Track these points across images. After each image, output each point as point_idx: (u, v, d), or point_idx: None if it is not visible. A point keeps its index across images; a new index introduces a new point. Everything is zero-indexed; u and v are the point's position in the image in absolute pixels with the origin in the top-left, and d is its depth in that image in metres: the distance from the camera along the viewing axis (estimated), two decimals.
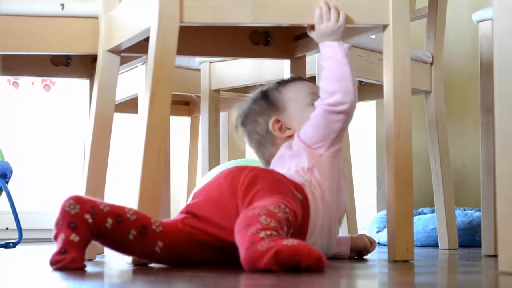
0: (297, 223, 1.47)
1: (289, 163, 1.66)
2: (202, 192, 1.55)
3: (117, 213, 1.44)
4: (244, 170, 1.53)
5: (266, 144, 1.74)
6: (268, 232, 1.32)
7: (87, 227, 1.41)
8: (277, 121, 1.72)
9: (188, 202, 1.56)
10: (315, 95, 1.70)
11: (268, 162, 1.74)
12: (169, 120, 1.61)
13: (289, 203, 1.44)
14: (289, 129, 1.72)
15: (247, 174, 1.51)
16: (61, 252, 1.39)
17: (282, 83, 1.78)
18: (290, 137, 1.71)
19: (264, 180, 1.50)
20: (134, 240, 1.44)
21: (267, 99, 1.76)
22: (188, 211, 1.52)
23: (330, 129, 1.64)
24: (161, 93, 1.56)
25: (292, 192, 1.53)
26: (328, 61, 1.66)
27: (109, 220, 1.42)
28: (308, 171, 1.63)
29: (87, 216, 1.41)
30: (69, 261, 1.38)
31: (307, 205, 1.57)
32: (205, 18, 1.60)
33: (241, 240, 1.34)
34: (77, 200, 1.42)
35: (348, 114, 1.64)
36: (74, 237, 1.40)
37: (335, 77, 1.64)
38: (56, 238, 1.42)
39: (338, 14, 1.66)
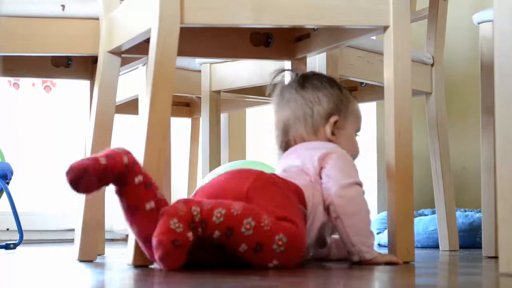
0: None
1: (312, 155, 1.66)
2: (206, 190, 1.55)
3: (153, 184, 1.46)
4: (250, 176, 1.53)
5: (308, 124, 1.73)
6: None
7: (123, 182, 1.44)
8: (337, 121, 1.73)
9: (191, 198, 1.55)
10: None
11: (292, 138, 1.74)
12: (169, 121, 1.61)
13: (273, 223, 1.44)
14: (334, 136, 1.73)
15: (254, 183, 1.51)
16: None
17: (352, 99, 1.78)
18: (330, 141, 1.72)
19: (268, 194, 1.50)
20: (148, 212, 1.43)
21: (345, 97, 1.76)
22: None
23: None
24: (162, 94, 1.56)
25: (296, 207, 1.53)
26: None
27: (140, 177, 1.43)
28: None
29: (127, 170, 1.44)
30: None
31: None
32: (206, 19, 1.60)
33: None
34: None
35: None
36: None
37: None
38: (88, 162, 1.43)
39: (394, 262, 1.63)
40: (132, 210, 1.44)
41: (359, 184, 1.62)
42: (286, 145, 1.76)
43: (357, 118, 1.78)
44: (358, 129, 1.79)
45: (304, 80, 1.78)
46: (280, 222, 1.46)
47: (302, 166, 1.65)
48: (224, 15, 1.61)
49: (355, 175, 1.63)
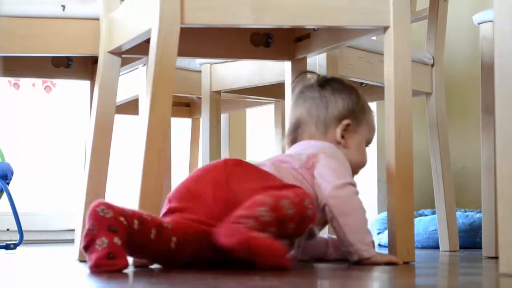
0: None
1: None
2: (182, 192, 1.54)
3: (139, 214, 1.43)
4: (217, 166, 1.56)
5: (319, 123, 1.74)
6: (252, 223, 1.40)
7: (124, 229, 1.39)
8: (349, 125, 1.73)
9: (166, 205, 1.54)
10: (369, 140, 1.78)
11: (301, 135, 1.75)
12: (169, 122, 1.61)
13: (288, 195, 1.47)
14: (344, 139, 1.73)
15: (226, 170, 1.53)
16: (110, 257, 1.36)
17: (369, 109, 1.77)
18: (338, 144, 1.72)
19: (245, 175, 1.54)
20: (154, 240, 1.42)
21: (362, 105, 1.76)
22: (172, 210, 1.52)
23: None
24: (162, 94, 1.56)
25: (278, 179, 1.57)
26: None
27: (136, 221, 1.41)
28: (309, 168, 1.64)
29: (122, 219, 1.39)
30: (118, 268, 1.37)
31: None
32: (206, 20, 1.60)
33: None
34: (107, 205, 1.40)
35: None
36: (117, 241, 1.37)
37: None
38: (90, 244, 1.38)
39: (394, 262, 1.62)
40: (138, 248, 1.44)
41: (353, 184, 1.62)
42: (293, 141, 1.76)
43: (370, 129, 1.78)
44: (369, 141, 1.79)
45: (325, 82, 1.78)
46: (291, 190, 1.51)
47: (286, 157, 1.66)
48: (224, 15, 1.61)
49: (348, 175, 1.63)
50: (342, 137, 1.73)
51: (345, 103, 1.74)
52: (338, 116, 1.74)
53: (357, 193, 1.61)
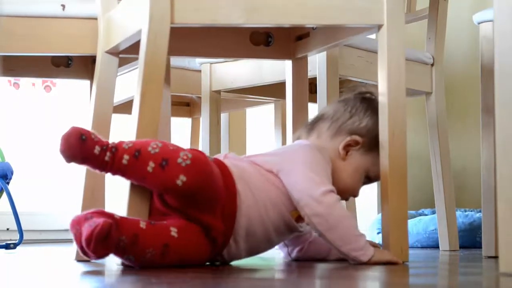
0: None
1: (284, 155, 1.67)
2: None
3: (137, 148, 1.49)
4: None
5: (333, 126, 1.71)
6: None
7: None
8: (357, 143, 1.70)
9: None
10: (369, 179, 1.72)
11: (311, 130, 1.74)
12: (158, 122, 1.59)
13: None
14: (345, 152, 1.70)
15: None
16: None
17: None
18: (338, 153, 1.69)
19: None
20: (153, 173, 1.46)
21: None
22: None
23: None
24: (152, 94, 1.56)
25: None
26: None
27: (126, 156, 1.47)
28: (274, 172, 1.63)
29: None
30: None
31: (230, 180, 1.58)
32: (196, 20, 1.59)
33: None
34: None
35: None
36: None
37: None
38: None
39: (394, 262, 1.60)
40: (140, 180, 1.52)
41: (331, 191, 1.58)
42: (307, 134, 1.75)
43: (375, 167, 1.69)
44: (368, 176, 1.72)
45: (369, 99, 1.74)
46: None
47: (258, 158, 1.67)
48: (215, 15, 1.60)
49: (326, 181, 1.60)
50: (346, 150, 1.70)
51: (369, 124, 1.71)
52: (355, 129, 1.71)
53: (337, 199, 1.58)
